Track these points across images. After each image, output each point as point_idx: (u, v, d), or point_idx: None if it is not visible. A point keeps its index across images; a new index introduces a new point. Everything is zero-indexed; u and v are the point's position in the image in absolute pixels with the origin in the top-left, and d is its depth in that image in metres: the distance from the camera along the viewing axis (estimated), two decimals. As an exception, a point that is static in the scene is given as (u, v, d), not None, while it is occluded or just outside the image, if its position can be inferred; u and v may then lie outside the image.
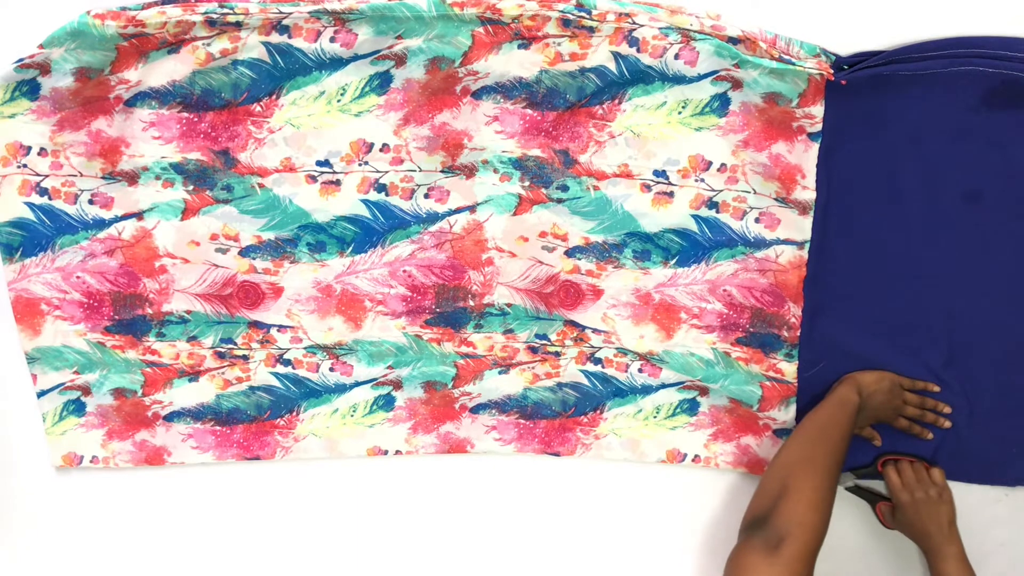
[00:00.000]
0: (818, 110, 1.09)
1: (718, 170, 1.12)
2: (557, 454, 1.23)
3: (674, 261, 1.15)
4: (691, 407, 1.22)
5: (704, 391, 1.21)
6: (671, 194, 1.13)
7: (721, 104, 1.10)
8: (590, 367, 1.20)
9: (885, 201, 1.13)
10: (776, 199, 1.13)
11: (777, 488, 0.98)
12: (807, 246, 1.14)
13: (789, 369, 1.18)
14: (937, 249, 1.14)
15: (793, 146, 1.11)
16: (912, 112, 1.09)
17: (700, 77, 1.08)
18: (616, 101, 1.10)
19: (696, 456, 1.23)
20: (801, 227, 1.13)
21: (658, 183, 1.13)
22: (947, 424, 1.18)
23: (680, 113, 1.10)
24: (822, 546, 0.95)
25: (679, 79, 1.08)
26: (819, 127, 1.09)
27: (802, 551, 0.93)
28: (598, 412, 1.22)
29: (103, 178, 1.11)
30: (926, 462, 1.19)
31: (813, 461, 1.01)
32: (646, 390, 1.21)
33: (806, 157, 1.11)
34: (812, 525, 0.95)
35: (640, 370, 1.20)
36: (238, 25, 1.05)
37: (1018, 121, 1.09)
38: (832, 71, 1.06)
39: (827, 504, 0.98)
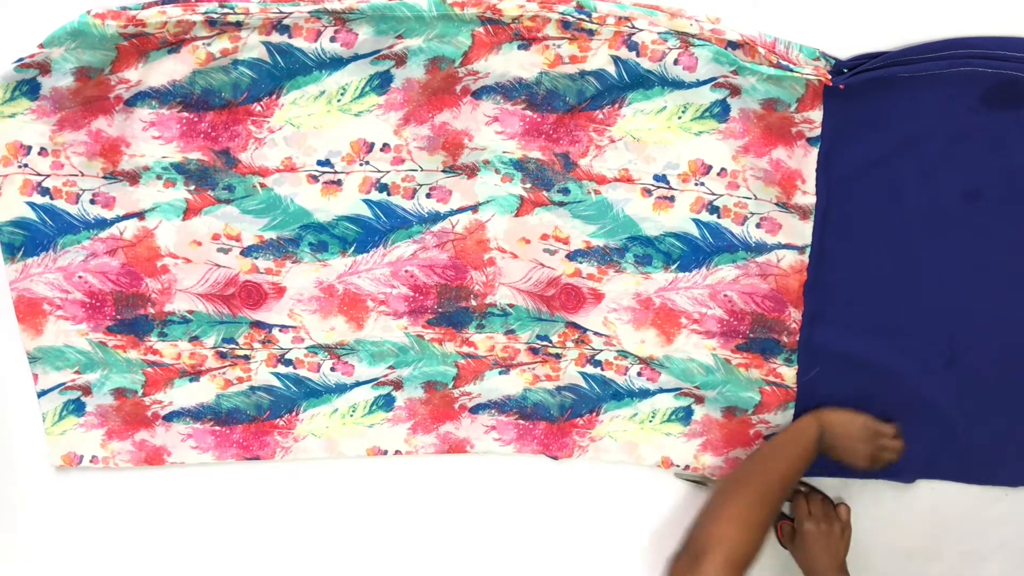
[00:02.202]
0: (817, 115, 1.08)
1: (718, 174, 1.12)
2: (555, 458, 1.24)
3: (675, 266, 1.15)
4: (685, 416, 1.22)
5: (700, 400, 1.21)
6: (672, 198, 1.13)
7: (722, 110, 1.09)
8: (589, 369, 1.20)
9: (885, 202, 1.12)
10: (777, 204, 1.13)
11: (707, 508, 1.01)
12: (808, 251, 1.14)
13: (788, 373, 1.18)
14: (937, 249, 1.14)
15: (792, 151, 1.10)
16: (911, 113, 1.09)
17: (699, 83, 1.08)
18: (616, 106, 1.10)
19: (688, 466, 1.23)
20: (802, 232, 1.13)
21: (659, 187, 1.13)
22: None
23: (680, 118, 1.10)
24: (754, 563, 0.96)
25: (678, 84, 1.08)
26: (818, 131, 1.09)
27: (722, 565, 0.93)
28: (594, 414, 1.22)
29: (104, 178, 1.11)
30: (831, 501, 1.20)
31: (743, 482, 1.03)
32: (643, 394, 1.21)
33: (805, 162, 1.10)
34: (730, 539, 0.95)
35: (639, 374, 1.20)
36: (238, 25, 1.05)
37: (1018, 121, 1.09)
38: (831, 76, 1.06)
39: (750, 520, 0.98)
